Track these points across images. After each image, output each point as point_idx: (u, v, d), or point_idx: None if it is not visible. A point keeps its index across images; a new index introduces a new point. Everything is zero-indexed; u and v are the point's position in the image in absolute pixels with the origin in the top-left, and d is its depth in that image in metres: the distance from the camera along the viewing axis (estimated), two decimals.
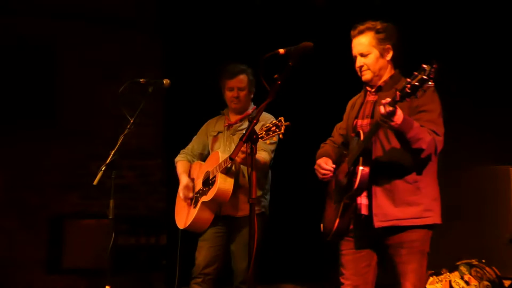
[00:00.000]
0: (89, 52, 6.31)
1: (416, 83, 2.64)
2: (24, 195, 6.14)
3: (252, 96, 4.23)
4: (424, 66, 2.64)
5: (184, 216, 4.16)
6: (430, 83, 2.62)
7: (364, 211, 3.07)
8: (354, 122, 3.26)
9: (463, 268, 4.28)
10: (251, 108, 4.25)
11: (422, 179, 3.07)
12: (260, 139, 2.97)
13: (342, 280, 3.24)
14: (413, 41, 5.06)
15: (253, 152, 2.79)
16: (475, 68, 4.95)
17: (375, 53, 3.14)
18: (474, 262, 4.30)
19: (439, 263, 4.45)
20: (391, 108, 2.76)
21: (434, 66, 2.62)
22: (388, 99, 2.77)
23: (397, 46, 3.18)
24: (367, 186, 3.03)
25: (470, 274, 4.25)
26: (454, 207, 4.95)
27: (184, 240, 4.17)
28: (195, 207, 4.07)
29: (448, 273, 4.32)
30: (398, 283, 3.09)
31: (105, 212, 3.59)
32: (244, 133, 2.78)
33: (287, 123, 3.06)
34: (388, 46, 3.16)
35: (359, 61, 3.16)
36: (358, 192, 3.04)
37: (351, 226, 3.16)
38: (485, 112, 4.94)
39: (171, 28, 6.17)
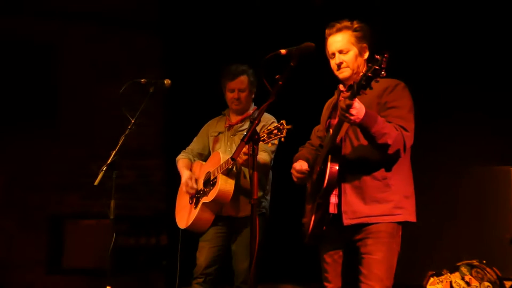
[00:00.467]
0: (90, 52, 6.32)
1: (370, 74, 2.65)
2: (25, 195, 6.14)
3: (253, 96, 4.23)
4: (377, 56, 2.65)
5: (185, 216, 4.16)
6: (382, 73, 2.64)
7: (332, 209, 3.03)
8: (327, 123, 3.27)
9: (464, 269, 4.28)
10: (252, 108, 4.24)
11: (392, 176, 3.03)
12: (261, 142, 2.97)
13: (325, 284, 3.22)
14: (413, 41, 5.09)
15: (254, 152, 2.78)
16: (478, 69, 4.93)
17: (354, 50, 3.13)
18: (475, 262, 4.29)
19: (439, 263, 4.45)
20: (349, 102, 2.74)
21: (385, 56, 2.63)
22: (347, 93, 2.76)
23: (371, 47, 3.16)
24: (336, 183, 3.00)
25: (471, 274, 4.24)
26: (454, 207, 4.98)
27: (184, 240, 4.17)
28: (195, 207, 4.07)
29: (448, 274, 4.31)
30: (362, 275, 3.00)
31: (105, 213, 3.57)
32: (245, 134, 2.78)
33: (289, 126, 3.05)
34: (365, 45, 3.15)
35: (338, 58, 3.13)
36: (329, 190, 3.00)
37: (324, 227, 3.10)
38: (486, 113, 4.93)
39: (172, 28, 6.17)
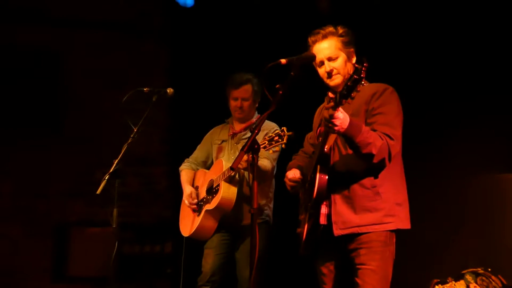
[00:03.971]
0: (96, 60, 6.34)
1: (350, 84, 2.64)
2: (30, 202, 6.16)
3: (256, 105, 4.24)
4: (357, 66, 2.63)
5: (188, 224, 4.17)
6: (362, 82, 2.64)
7: (323, 220, 3.00)
8: (318, 131, 3.24)
9: (468, 277, 4.26)
10: (255, 117, 4.26)
11: (382, 183, 2.99)
12: (263, 149, 2.98)
13: None
14: (416, 44, 5.07)
15: (254, 162, 2.78)
16: (485, 75, 4.90)
17: (343, 56, 3.10)
18: (480, 270, 4.27)
19: (444, 271, 4.43)
20: (332, 112, 2.72)
21: (365, 65, 2.62)
22: (332, 103, 2.74)
23: (357, 51, 3.13)
24: (326, 193, 2.97)
25: (476, 282, 4.22)
26: (460, 215, 4.95)
27: (188, 248, 4.17)
28: (199, 215, 4.08)
29: (453, 282, 4.30)
30: (357, 286, 2.98)
31: (110, 220, 3.59)
32: (245, 143, 2.78)
33: (289, 133, 3.05)
34: (352, 49, 3.13)
35: (328, 66, 3.10)
36: (319, 200, 2.98)
37: (317, 238, 3.07)
38: (493, 120, 4.90)
39: (178, 36, 6.18)
